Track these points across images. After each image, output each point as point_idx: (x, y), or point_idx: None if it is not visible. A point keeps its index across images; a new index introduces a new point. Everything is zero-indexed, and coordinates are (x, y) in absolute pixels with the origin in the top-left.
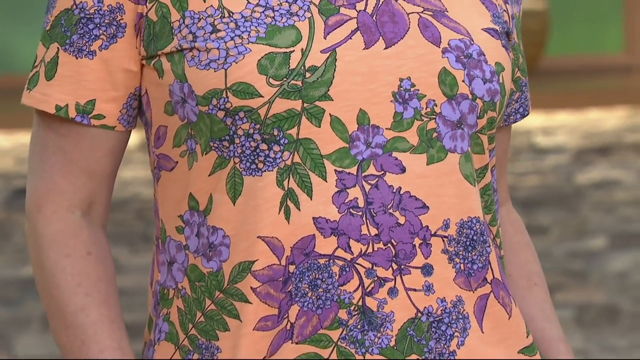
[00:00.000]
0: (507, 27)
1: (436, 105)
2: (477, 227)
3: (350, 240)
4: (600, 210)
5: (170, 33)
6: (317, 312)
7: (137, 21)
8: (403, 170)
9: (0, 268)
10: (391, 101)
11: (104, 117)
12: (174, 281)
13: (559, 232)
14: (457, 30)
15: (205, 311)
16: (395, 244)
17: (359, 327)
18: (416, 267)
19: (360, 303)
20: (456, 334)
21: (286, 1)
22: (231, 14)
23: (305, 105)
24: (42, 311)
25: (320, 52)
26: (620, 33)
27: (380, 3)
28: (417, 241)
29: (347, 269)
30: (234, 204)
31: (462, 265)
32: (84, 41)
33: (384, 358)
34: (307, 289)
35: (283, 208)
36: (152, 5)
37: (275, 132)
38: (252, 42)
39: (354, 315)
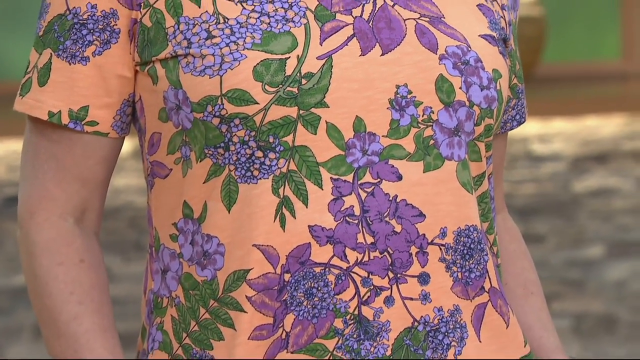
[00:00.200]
0: (504, 33)
1: (433, 113)
2: (475, 235)
3: (346, 248)
4: (597, 218)
5: (165, 39)
6: (312, 321)
7: (131, 27)
8: (399, 178)
9: None
10: (388, 108)
11: (97, 123)
12: (167, 290)
13: (556, 241)
14: (454, 36)
15: (199, 320)
16: (391, 252)
17: (354, 336)
18: (413, 276)
19: (356, 312)
20: (453, 343)
21: (282, 7)
22: (226, 20)
23: (301, 112)
24: (34, 320)
25: (316, 58)
26: (618, 39)
27: (377, 9)
28: (413, 250)
29: (343, 278)
30: (229, 212)
31: (459, 274)
32: (77, 47)
33: None
34: (303, 298)
35: (278, 216)
36: (147, 11)
37: (271, 140)
38: (247, 49)
39: (350, 325)
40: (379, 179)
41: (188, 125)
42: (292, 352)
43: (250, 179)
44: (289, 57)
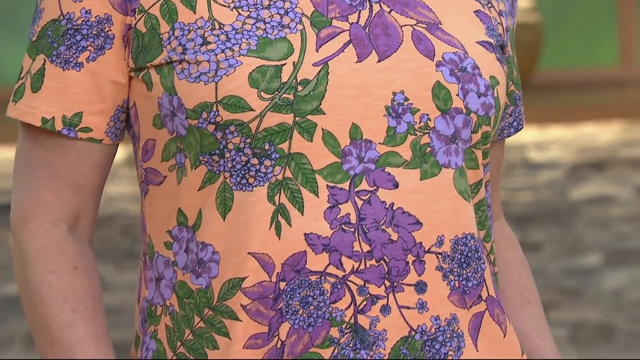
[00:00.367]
0: (502, 40)
1: (430, 120)
2: (472, 243)
3: (342, 256)
4: (595, 226)
5: (160, 45)
6: (308, 330)
7: (126, 32)
8: (396, 185)
9: None
10: (384, 115)
11: (91, 130)
12: (161, 298)
13: (553, 249)
14: (452, 43)
15: (194, 329)
16: (387, 260)
17: (351, 345)
18: (409, 285)
19: (352, 321)
20: (450, 352)
21: (278, 13)
22: (222, 26)
23: (297, 119)
24: (26, 330)
25: (312, 65)
26: (615, 46)
27: (373, 15)
28: (410, 258)
29: (339, 286)
30: (224, 220)
31: (456, 283)
32: (71, 52)
33: None
34: (298, 307)
35: (274, 224)
36: (141, 17)
37: (267, 147)
38: (243, 55)
39: (346, 334)
40: (375, 187)
41: (183, 132)
42: None
43: (245, 187)
44: (285, 63)
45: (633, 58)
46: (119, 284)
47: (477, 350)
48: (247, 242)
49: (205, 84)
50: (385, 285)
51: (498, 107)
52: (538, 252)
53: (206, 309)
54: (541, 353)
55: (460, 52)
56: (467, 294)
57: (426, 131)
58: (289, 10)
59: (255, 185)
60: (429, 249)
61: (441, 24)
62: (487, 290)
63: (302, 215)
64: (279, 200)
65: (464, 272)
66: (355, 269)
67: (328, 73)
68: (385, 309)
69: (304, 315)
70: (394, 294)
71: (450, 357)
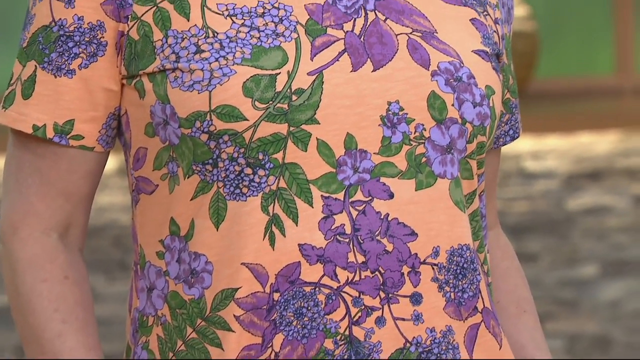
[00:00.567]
0: (497, 48)
1: (425, 130)
2: (468, 254)
3: (337, 267)
4: (591, 237)
5: (153, 52)
6: (302, 342)
7: (118, 39)
8: (391, 196)
9: None
10: (379, 125)
11: (83, 137)
12: (153, 308)
13: (549, 260)
14: (447, 52)
15: (186, 339)
16: (382, 271)
17: (345, 357)
18: (404, 296)
19: (346, 332)
20: None
21: (272, 21)
22: (216, 34)
23: (291, 128)
24: (16, 341)
25: (307, 74)
26: (612, 54)
27: (369, 23)
28: (405, 269)
29: (334, 298)
30: (217, 230)
31: (452, 294)
32: (63, 59)
33: None
34: (292, 318)
35: (268, 234)
36: (134, 24)
37: (260, 156)
38: (237, 64)
39: (341, 345)
40: (370, 197)
41: (175, 140)
42: None
43: (239, 196)
44: (279, 72)
45: (630, 67)
46: (110, 295)
47: None
48: (241, 253)
49: (198, 93)
50: (380, 297)
51: (494, 117)
52: (534, 263)
53: (199, 319)
54: None
55: (456, 61)
56: (462, 305)
57: (421, 141)
58: (283, 18)
59: (249, 195)
60: (424, 260)
61: (437, 33)
62: (483, 302)
63: (297, 225)
64: (273, 211)
65: (460, 283)
66: (350, 280)
67: (323, 82)
68: (380, 321)
69: (298, 326)
70: (389, 306)
71: None
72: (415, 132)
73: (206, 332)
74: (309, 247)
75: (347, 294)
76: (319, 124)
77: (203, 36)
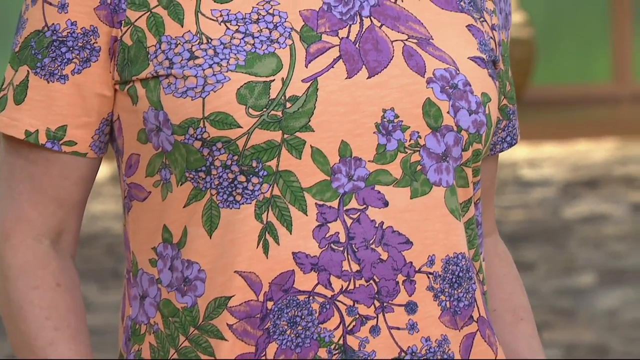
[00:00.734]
0: (494, 55)
1: (420, 137)
2: (463, 263)
3: (331, 276)
4: (588, 245)
5: (146, 58)
6: (296, 351)
7: (112, 45)
8: (386, 204)
9: None
10: (374, 132)
11: (76, 143)
12: (146, 316)
13: (546, 268)
14: (443, 59)
15: (178, 348)
16: (377, 280)
17: None
18: (399, 305)
19: (341, 342)
20: None
21: (267, 27)
22: (209, 40)
23: (285, 136)
24: (8, 351)
25: (302, 81)
26: (609, 62)
27: (364, 30)
28: (400, 278)
29: (328, 306)
30: (210, 237)
31: (447, 303)
32: (56, 65)
33: None
34: (286, 327)
35: (261, 242)
36: (127, 29)
37: (254, 164)
38: (231, 70)
39: (335, 355)
40: (365, 205)
41: (168, 147)
42: None
43: (232, 204)
44: (274, 79)
45: (627, 74)
46: (102, 304)
47: None
48: (234, 261)
49: (192, 100)
50: (374, 306)
51: (489, 125)
52: (531, 272)
53: (191, 328)
54: None
55: (452, 68)
56: (458, 314)
57: (416, 149)
58: (278, 24)
59: (242, 203)
60: (419, 268)
61: (432, 39)
62: (479, 311)
63: (291, 233)
64: (267, 219)
65: (455, 292)
66: (344, 289)
67: (317, 89)
68: (374, 330)
69: (292, 335)
70: (383, 315)
71: None
72: (410, 139)
73: (199, 341)
74: (303, 256)
75: (342, 302)
76: (314, 131)
77: (197, 42)
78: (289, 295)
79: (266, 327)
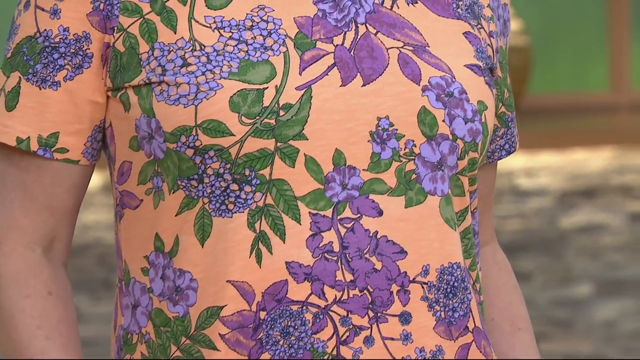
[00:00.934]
0: (491, 62)
1: (415, 146)
2: (458, 273)
3: (325, 286)
4: (585, 255)
5: (138, 65)
6: None
7: (104, 51)
8: (380, 213)
9: None
10: (369, 141)
11: (68, 150)
12: (137, 325)
13: (543, 279)
14: (438, 66)
15: (170, 358)
16: (371, 290)
17: None
18: (393, 315)
19: (334, 352)
20: None
21: (260, 34)
22: (203, 47)
23: (278, 144)
24: None
25: (295, 89)
26: (606, 70)
27: (359, 37)
28: (394, 288)
29: (321, 316)
30: (202, 246)
31: (442, 313)
32: (48, 71)
33: None
34: (279, 337)
35: (254, 251)
36: (120, 35)
37: (247, 172)
38: (224, 78)
39: None
40: (359, 215)
41: (160, 155)
42: None
43: (225, 213)
44: (267, 87)
45: (624, 83)
46: (94, 315)
47: None
48: (227, 270)
49: (184, 107)
50: (368, 316)
51: (486, 133)
52: (527, 282)
53: (183, 337)
54: None
55: (447, 76)
56: (453, 325)
57: (411, 157)
58: (272, 31)
59: (235, 212)
60: (413, 278)
61: (428, 47)
62: (474, 321)
63: (284, 243)
64: (260, 228)
65: (450, 302)
66: (338, 299)
67: (311, 97)
68: (368, 340)
69: (285, 345)
70: (377, 325)
71: None
72: (405, 148)
73: (191, 351)
74: (296, 265)
75: (335, 313)
76: (307, 139)
77: (190, 49)
78: (282, 305)
79: (259, 337)
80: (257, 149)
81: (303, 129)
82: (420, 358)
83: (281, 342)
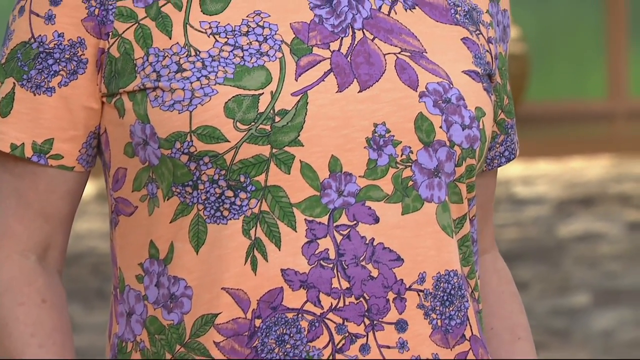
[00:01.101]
0: (490, 68)
1: (412, 153)
2: (455, 280)
3: (320, 293)
4: (583, 264)
5: (133, 71)
6: None
7: (99, 57)
8: (376, 220)
9: None
10: (365, 147)
11: (62, 157)
12: (132, 333)
13: (540, 288)
14: (436, 72)
15: None
16: (367, 298)
17: None
18: (390, 323)
19: None
20: None
21: (256, 40)
22: (198, 53)
23: (274, 150)
24: None
25: (291, 94)
26: (604, 78)
27: (356, 43)
28: (390, 295)
29: (317, 324)
30: (197, 253)
31: (438, 321)
32: (43, 77)
33: None
34: (274, 345)
35: (249, 258)
36: (115, 41)
37: (242, 179)
38: (219, 83)
39: None
40: (355, 221)
41: (155, 161)
42: None
43: (219, 219)
44: (263, 93)
45: (622, 91)
46: (88, 324)
47: None
48: (221, 277)
49: (179, 113)
50: (364, 324)
51: (483, 140)
52: (525, 291)
53: (178, 345)
54: None
55: (445, 82)
56: (449, 333)
57: (408, 164)
58: (268, 37)
59: (230, 219)
60: (410, 286)
61: (426, 53)
62: (471, 330)
63: (279, 250)
64: (255, 235)
65: (447, 310)
66: (333, 307)
67: (307, 103)
68: (364, 349)
69: (280, 353)
70: (373, 333)
71: None
72: (402, 154)
73: (185, 359)
74: (292, 272)
75: (331, 320)
76: (303, 145)
77: (185, 55)
78: (277, 313)
79: (254, 345)
80: (252, 155)
81: (299, 135)
82: None
83: (276, 350)
